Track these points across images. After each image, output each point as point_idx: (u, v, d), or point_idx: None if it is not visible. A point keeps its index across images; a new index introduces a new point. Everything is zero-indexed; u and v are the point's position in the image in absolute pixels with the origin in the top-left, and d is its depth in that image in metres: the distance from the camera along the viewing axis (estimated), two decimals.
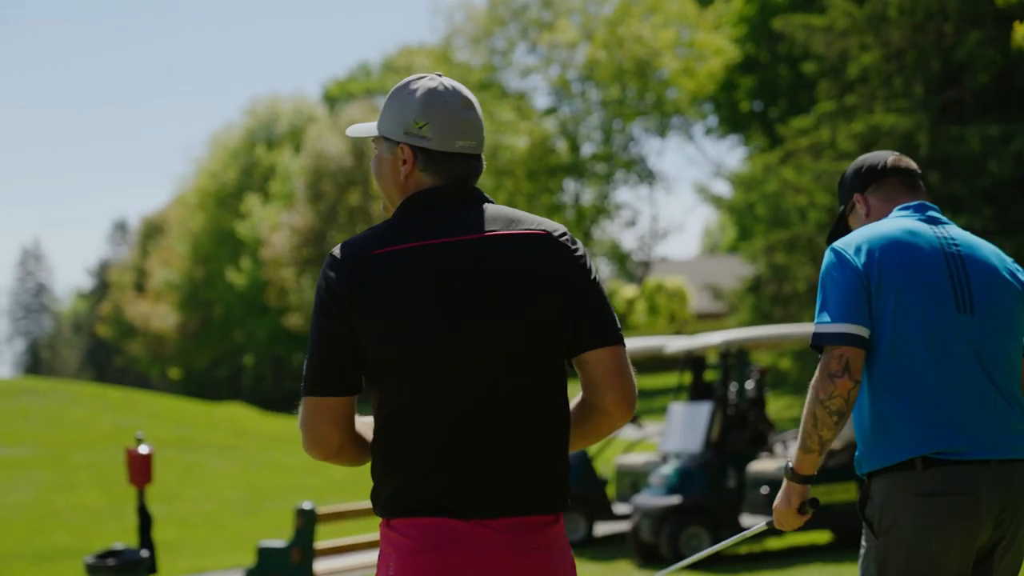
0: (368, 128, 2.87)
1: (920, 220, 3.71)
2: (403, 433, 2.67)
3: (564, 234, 2.75)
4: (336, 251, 2.71)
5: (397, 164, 2.78)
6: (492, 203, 2.78)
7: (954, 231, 3.73)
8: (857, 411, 3.60)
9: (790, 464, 3.62)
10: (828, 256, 3.65)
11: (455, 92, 2.77)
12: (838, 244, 3.65)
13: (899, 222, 3.70)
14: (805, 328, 10.66)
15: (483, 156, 2.83)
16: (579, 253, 2.74)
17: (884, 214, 3.81)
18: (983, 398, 3.51)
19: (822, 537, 11.78)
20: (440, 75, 2.80)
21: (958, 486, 3.42)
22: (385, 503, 2.70)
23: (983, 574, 3.52)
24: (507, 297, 2.65)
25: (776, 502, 3.66)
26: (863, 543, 3.56)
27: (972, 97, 23.04)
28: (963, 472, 3.43)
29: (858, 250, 3.59)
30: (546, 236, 2.71)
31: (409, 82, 2.80)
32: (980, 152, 21.66)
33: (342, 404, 2.69)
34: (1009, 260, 3.75)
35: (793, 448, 11.16)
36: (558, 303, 2.68)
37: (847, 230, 3.89)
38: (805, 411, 3.51)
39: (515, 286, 2.66)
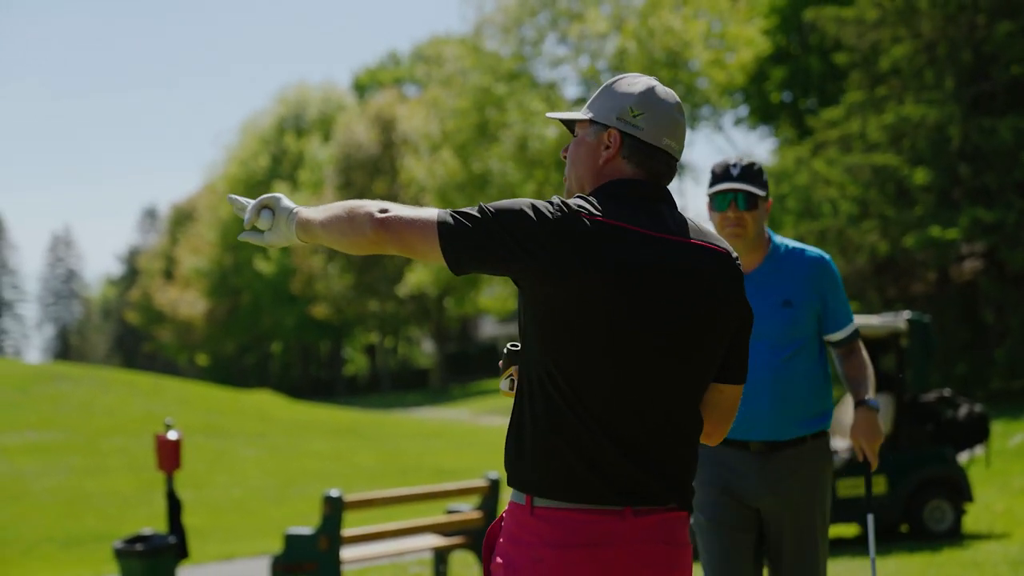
0: (573, 113, 2.91)
1: None
2: (572, 412, 2.66)
3: (737, 258, 2.84)
4: (559, 202, 2.69)
5: (599, 148, 2.82)
6: (676, 206, 2.83)
7: None
8: (822, 382, 4.50)
9: (873, 401, 4.43)
10: (832, 262, 4.53)
11: (671, 94, 2.85)
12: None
13: None
14: None
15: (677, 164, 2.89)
16: (743, 279, 2.85)
17: None
18: None
19: (849, 531, 11.76)
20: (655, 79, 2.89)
21: None
22: (538, 483, 2.67)
23: None
24: (698, 301, 2.71)
25: (870, 430, 4.33)
26: (828, 478, 4.47)
27: (1003, 89, 22.89)
28: None
29: None
30: (728, 256, 2.80)
31: (628, 76, 2.87)
32: (1012, 144, 21.50)
33: (437, 255, 2.69)
34: None
35: None
36: (729, 327, 2.78)
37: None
38: (871, 370, 4.53)
39: (705, 294, 2.73)
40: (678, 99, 2.85)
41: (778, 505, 4.41)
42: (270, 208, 2.97)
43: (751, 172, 4.48)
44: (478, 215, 2.67)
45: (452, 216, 2.68)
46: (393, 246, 2.72)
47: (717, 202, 4.49)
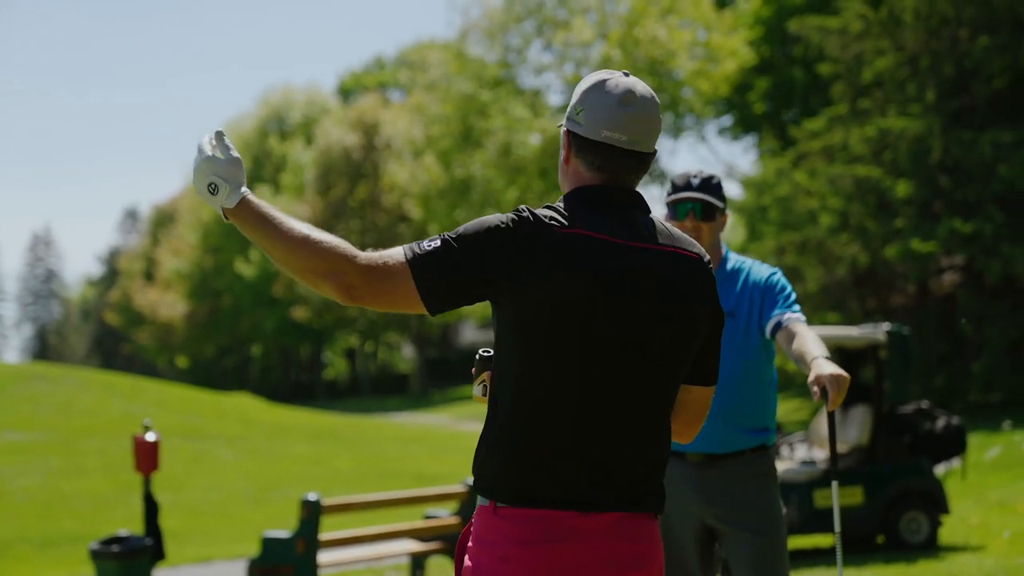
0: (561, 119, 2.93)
1: None
2: (538, 417, 2.67)
3: (709, 261, 2.84)
4: (526, 212, 2.67)
5: (561, 149, 2.85)
6: (650, 211, 2.82)
7: None
8: (765, 398, 4.53)
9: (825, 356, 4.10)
10: (778, 273, 4.56)
11: (623, 85, 2.78)
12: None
13: None
14: (815, 331, 10.68)
15: (644, 158, 2.80)
16: (715, 283, 2.85)
17: None
18: None
19: (826, 540, 11.80)
20: (626, 73, 2.83)
21: None
22: (499, 487, 2.68)
23: None
24: (670, 308, 2.72)
25: (834, 370, 3.94)
26: (772, 487, 4.48)
27: (984, 103, 23.02)
28: None
29: None
30: (700, 260, 2.80)
31: (592, 74, 2.84)
32: (992, 157, 21.63)
33: (413, 299, 2.63)
34: None
35: (801, 451, 11.19)
36: (701, 330, 2.79)
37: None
38: (819, 340, 4.20)
39: (676, 300, 2.73)
40: (632, 88, 2.77)
41: (720, 520, 4.45)
42: (225, 171, 2.73)
43: (710, 185, 4.59)
44: (441, 246, 2.63)
45: (419, 250, 2.62)
46: (367, 302, 2.65)
47: (675, 211, 4.59)
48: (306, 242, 2.63)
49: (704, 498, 4.46)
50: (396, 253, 2.64)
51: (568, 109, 2.83)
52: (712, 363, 2.87)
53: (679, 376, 2.79)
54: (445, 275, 2.62)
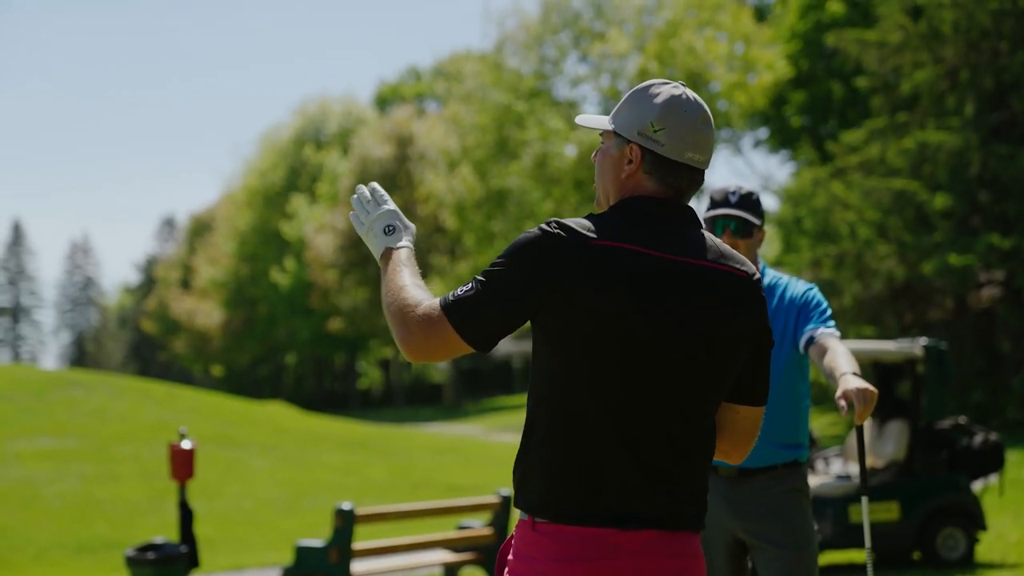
0: (600, 121, 2.87)
1: None
2: (577, 432, 2.65)
3: (760, 280, 2.81)
4: (555, 226, 2.66)
5: (622, 162, 2.79)
6: (701, 226, 2.80)
7: None
8: (798, 414, 4.56)
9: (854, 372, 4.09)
10: (814, 289, 4.58)
11: (696, 104, 2.79)
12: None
13: None
14: (851, 344, 10.59)
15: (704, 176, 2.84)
16: (765, 302, 2.82)
17: None
18: None
19: (861, 556, 11.70)
20: (683, 84, 2.83)
21: None
22: (538, 502, 2.67)
23: None
24: (710, 326, 2.70)
25: (861, 385, 3.95)
26: (803, 502, 4.46)
27: None
28: None
29: None
30: (749, 279, 2.77)
31: (652, 85, 2.82)
32: None
33: (466, 348, 2.67)
34: None
35: (836, 465, 11.11)
36: (746, 348, 2.77)
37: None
38: (850, 355, 4.22)
39: (719, 318, 2.71)
40: (704, 107, 2.80)
41: (751, 534, 4.42)
42: (403, 219, 2.96)
43: (749, 201, 4.59)
44: (485, 286, 2.65)
45: (460, 301, 2.65)
46: (430, 358, 2.71)
47: (712, 227, 4.58)
48: (391, 306, 2.74)
49: (735, 512, 4.45)
50: (435, 305, 2.68)
51: (632, 121, 2.79)
52: (762, 383, 2.83)
53: (720, 393, 2.76)
54: (484, 313, 2.65)
